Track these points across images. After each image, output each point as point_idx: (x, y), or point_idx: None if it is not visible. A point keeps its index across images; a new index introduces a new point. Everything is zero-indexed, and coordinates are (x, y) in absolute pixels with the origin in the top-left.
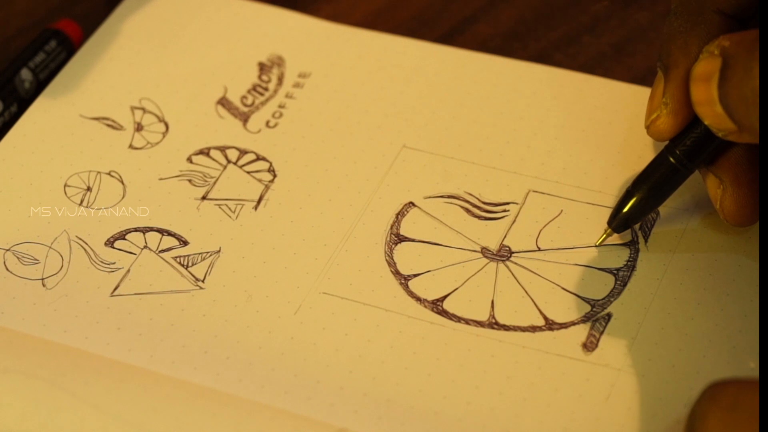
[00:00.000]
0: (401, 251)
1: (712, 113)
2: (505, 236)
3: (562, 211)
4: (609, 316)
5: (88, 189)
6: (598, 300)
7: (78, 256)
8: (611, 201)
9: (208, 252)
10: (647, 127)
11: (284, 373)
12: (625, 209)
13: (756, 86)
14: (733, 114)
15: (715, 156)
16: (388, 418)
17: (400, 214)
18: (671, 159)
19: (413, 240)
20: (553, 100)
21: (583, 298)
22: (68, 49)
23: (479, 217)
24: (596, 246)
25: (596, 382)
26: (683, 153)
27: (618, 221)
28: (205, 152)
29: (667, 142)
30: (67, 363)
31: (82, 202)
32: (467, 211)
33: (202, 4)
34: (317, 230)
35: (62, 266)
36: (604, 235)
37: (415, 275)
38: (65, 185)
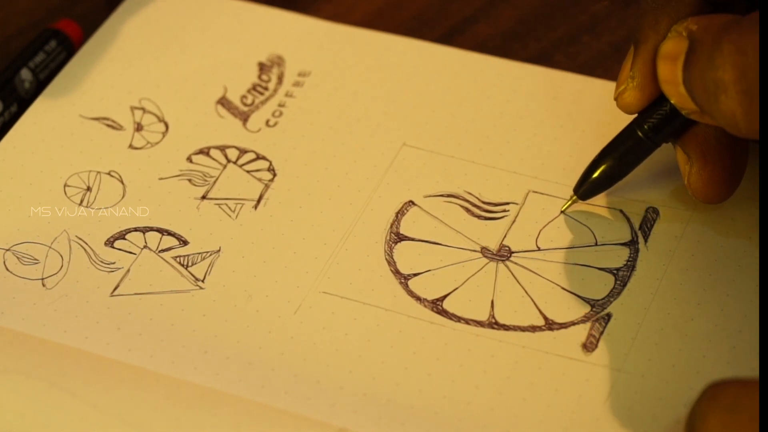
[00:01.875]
0: (401, 250)
1: (676, 93)
2: (504, 236)
3: (561, 211)
4: (609, 316)
5: (88, 189)
6: (598, 300)
7: (78, 256)
8: (611, 201)
9: (208, 252)
10: (615, 99)
11: (284, 373)
12: (592, 177)
13: (717, 77)
14: (695, 98)
15: (682, 131)
16: (388, 418)
17: (400, 213)
18: (638, 132)
19: (413, 239)
20: (552, 101)
21: (583, 298)
22: (68, 49)
23: (479, 217)
24: (561, 212)
25: (596, 383)
26: (650, 127)
27: (585, 188)
28: (204, 152)
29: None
30: (67, 363)
31: (82, 202)
32: (467, 210)
33: (202, 5)
34: (317, 229)
35: (62, 266)
36: (569, 202)
37: (415, 275)
38: (65, 185)
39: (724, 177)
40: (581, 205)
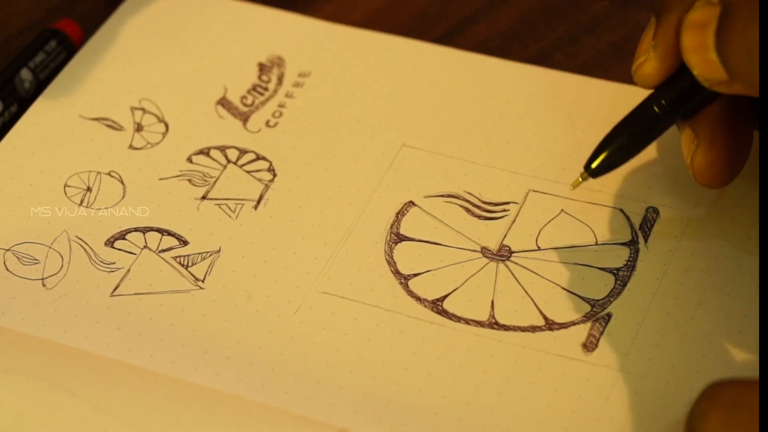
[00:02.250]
0: (401, 251)
1: (703, 60)
2: (505, 236)
3: (562, 211)
4: (609, 316)
5: (88, 189)
6: (598, 300)
7: (78, 256)
8: (611, 201)
9: (208, 252)
10: (634, 72)
11: (284, 373)
12: (604, 154)
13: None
14: (729, 61)
15: (692, 112)
16: (388, 418)
17: (400, 214)
18: (655, 108)
19: (413, 239)
20: (552, 101)
21: (583, 298)
22: (68, 49)
23: (479, 217)
24: (571, 189)
25: (596, 383)
26: (667, 102)
27: (597, 165)
28: (205, 152)
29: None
30: (67, 363)
31: (82, 202)
32: (467, 210)
33: (202, 5)
34: (317, 229)
35: (62, 266)
36: (580, 179)
37: (415, 275)
38: (65, 185)
39: (728, 160)
40: (582, 205)
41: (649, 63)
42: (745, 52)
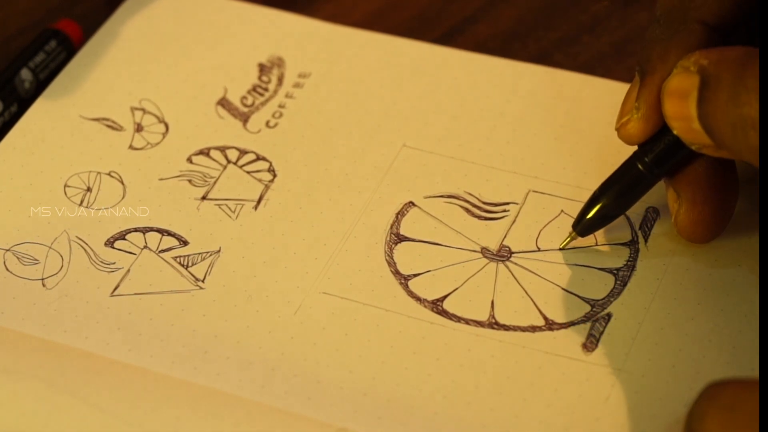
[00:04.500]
0: (401, 251)
1: (687, 128)
2: (505, 236)
3: (562, 211)
4: (609, 316)
5: (88, 189)
6: (598, 300)
7: (78, 256)
8: None
9: (208, 252)
10: (617, 130)
11: (284, 373)
12: (590, 214)
13: (744, 113)
14: (713, 134)
15: (676, 170)
16: (388, 418)
17: (400, 214)
18: (639, 166)
19: (413, 240)
20: (553, 101)
21: (583, 298)
22: (68, 49)
23: (479, 217)
24: (560, 249)
25: (596, 383)
26: (652, 160)
27: (582, 226)
28: (205, 152)
29: (635, 149)
30: (67, 363)
31: (82, 202)
32: (467, 211)
33: (202, 5)
34: (317, 230)
35: (62, 266)
36: (569, 239)
37: (415, 275)
38: (65, 185)
39: (713, 218)
40: (581, 205)
41: (633, 123)
42: (730, 130)
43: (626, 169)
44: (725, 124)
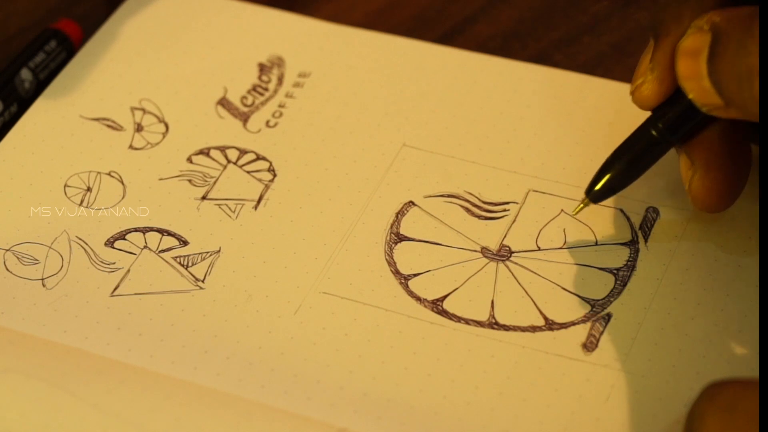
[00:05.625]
0: (401, 251)
1: (698, 87)
2: (505, 236)
3: (562, 210)
4: (609, 316)
5: (88, 189)
6: (598, 300)
7: (78, 256)
8: (611, 201)
9: (208, 252)
10: (632, 93)
11: (284, 373)
12: (603, 180)
13: (750, 63)
14: (722, 90)
15: (689, 136)
16: (388, 418)
17: (400, 214)
18: (653, 131)
19: (413, 239)
20: (552, 101)
21: (583, 298)
22: (68, 49)
23: (479, 217)
24: (572, 215)
25: (596, 383)
26: (665, 126)
27: (596, 192)
28: (205, 152)
29: (649, 114)
30: (67, 363)
31: (82, 202)
32: (467, 210)
33: (202, 5)
34: (317, 229)
35: (62, 266)
36: (581, 205)
37: (415, 275)
38: (65, 185)
39: (726, 186)
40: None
41: (647, 85)
42: (736, 82)
43: (639, 135)
44: (732, 75)
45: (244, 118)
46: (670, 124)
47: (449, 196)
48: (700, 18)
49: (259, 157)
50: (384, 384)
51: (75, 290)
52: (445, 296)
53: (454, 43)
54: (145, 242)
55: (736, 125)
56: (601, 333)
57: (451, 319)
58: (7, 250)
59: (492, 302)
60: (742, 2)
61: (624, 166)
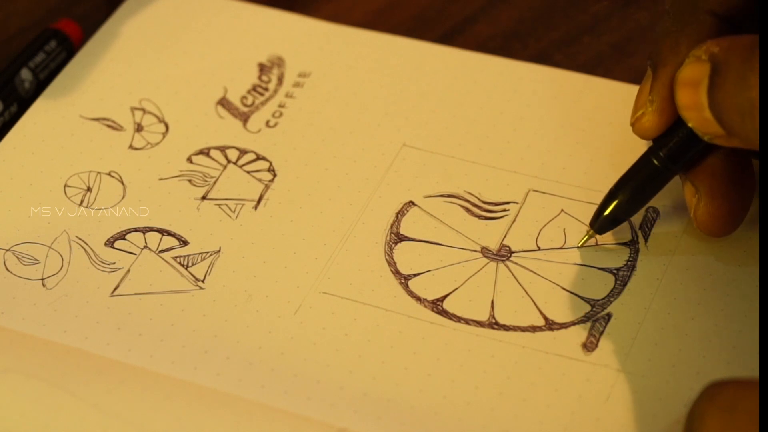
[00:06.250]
0: (401, 251)
1: (699, 118)
2: (505, 236)
3: (562, 210)
4: (609, 316)
5: (88, 189)
6: (598, 300)
7: (78, 256)
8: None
9: (208, 252)
10: (632, 125)
11: (284, 373)
12: (607, 211)
13: (752, 96)
14: (724, 121)
15: (692, 164)
16: (388, 418)
17: (400, 214)
18: (654, 161)
19: (413, 239)
20: (552, 100)
21: (583, 298)
22: (68, 49)
23: (479, 217)
24: (578, 248)
25: (596, 383)
26: (666, 155)
27: (600, 223)
28: (205, 152)
29: (650, 144)
30: (67, 363)
31: (82, 202)
32: (467, 210)
33: (202, 5)
34: (317, 229)
35: (62, 266)
36: (586, 237)
37: (415, 275)
38: (65, 185)
39: (731, 212)
40: (582, 205)
41: (647, 117)
42: (738, 115)
43: (641, 164)
44: (734, 108)
45: (244, 118)
46: (671, 153)
47: (449, 196)
48: (698, 48)
49: (259, 157)
50: (384, 384)
51: (75, 290)
52: (445, 296)
53: (454, 43)
54: (145, 242)
55: (739, 154)
56: (601, 333)
57: (451, 319)
58: (7, 250)
59: (492, 302)
60: (738, 31)
61: (627, 196)
